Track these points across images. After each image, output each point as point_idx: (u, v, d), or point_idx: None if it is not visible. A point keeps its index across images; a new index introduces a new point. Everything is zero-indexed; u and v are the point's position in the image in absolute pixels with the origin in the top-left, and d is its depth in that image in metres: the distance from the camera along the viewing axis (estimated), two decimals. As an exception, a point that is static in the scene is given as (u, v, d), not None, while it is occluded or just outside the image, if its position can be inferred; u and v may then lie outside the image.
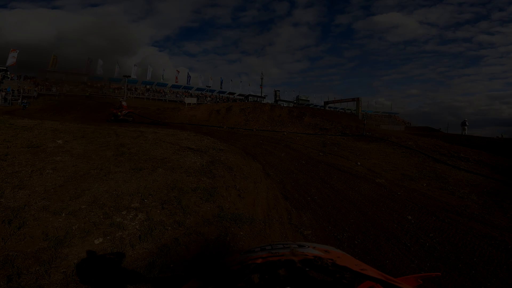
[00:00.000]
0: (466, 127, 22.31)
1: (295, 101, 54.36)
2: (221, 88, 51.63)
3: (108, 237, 2.84)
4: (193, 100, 35.00)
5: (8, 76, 32.03)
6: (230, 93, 51.98)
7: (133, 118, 13.46)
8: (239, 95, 52.25)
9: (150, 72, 45.54)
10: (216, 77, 53.57)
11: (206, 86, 49.25)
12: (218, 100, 47.77)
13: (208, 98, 46.73)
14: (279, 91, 54.52)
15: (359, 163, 7.71)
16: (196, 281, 0.71)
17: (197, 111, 17.10)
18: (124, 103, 14.03)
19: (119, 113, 13.32)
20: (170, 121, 14.63)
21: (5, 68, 30.75)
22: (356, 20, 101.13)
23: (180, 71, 48.59)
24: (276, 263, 0.62)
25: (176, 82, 47.58)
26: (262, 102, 43.49)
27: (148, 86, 44.65)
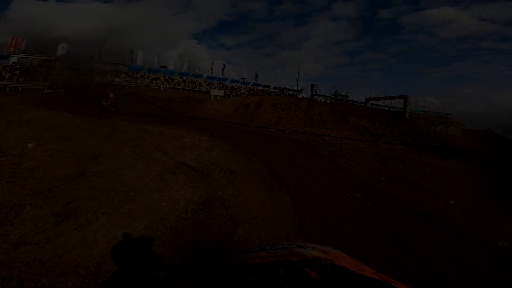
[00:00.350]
0: None
1: (333, 97, 49.97)
2: (256, 80, 49.68)
3: None
4: (220, 92, 29.55)
5: (57, 66, 33.94)
6: (264, 86, 49.85)
7: (115, 110, 13.93)
8: (274, 88, 49.83)
9: (186, 63, 45.36)
10: (252, 69, 51.90)
11: (241, 78, 47.62)
12: (252, 92, 45.79)
13: (242, 90, 44.99)
14: (316, 85, 50.51)
15: (451, 202, 4.82)
16: (197, 278, 0.82)
17: (223, 105, 15.01)
18: (111, 95, 14.54)
19: (104, 103, 13.99)
20: (191, 115, 12.83)
21: (52, 59, 32.47)
22: (402, 14, 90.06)
23: (215, 63, 47.91)
24: (275, 263, 0.63)
25: (211, 73, 46.94)
26: (298, 96, 40.33)
27: (184, 77, 44.43)
